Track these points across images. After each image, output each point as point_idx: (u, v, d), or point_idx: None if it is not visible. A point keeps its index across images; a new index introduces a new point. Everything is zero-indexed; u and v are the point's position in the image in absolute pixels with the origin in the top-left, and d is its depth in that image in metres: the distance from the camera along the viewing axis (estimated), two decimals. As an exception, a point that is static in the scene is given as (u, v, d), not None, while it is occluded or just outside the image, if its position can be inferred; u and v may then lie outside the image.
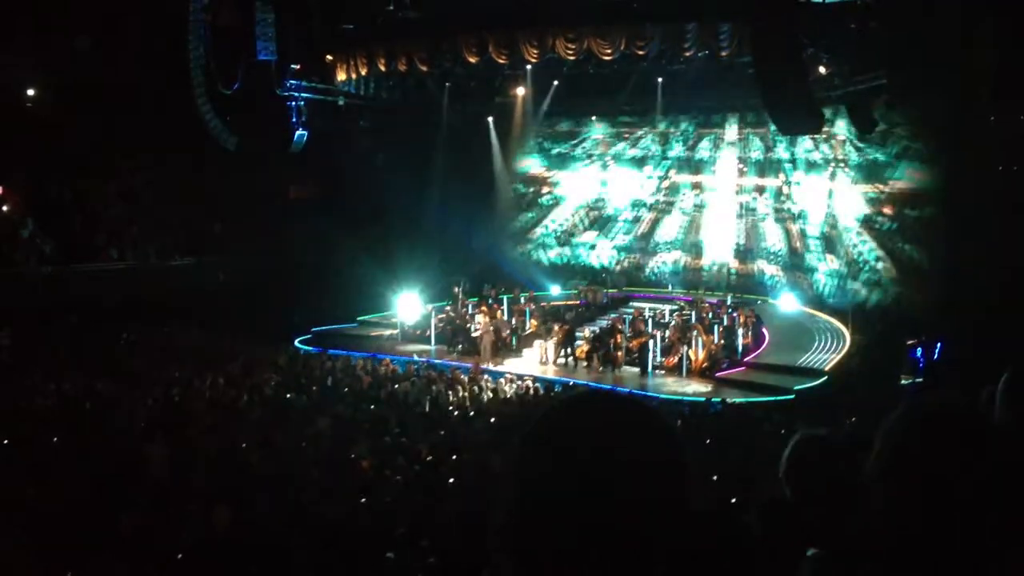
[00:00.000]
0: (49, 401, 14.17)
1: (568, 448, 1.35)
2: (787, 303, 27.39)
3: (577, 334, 23.14)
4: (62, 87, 25.32)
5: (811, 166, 28.77)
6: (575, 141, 33.21)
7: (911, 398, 1.75)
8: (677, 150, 31.77)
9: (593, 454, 1.33)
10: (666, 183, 31.97)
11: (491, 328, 22.79)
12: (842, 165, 27.60)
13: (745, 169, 30.51)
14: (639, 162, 32.33)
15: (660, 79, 27.29)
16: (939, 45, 20.61)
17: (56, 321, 20.71)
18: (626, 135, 32.34)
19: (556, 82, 28.09)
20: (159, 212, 27.46)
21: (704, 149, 31.25)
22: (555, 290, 28.99)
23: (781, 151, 29.61)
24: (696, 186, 31.50)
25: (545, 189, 33.82)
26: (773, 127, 27.62)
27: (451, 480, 9.58)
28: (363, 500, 8.50)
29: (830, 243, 28.19)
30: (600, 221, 33.12)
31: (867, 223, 26.73)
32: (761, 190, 30.31)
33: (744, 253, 30.38)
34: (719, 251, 30.75)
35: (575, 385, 19.32)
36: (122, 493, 8.33)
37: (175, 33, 24.43)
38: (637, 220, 32.45)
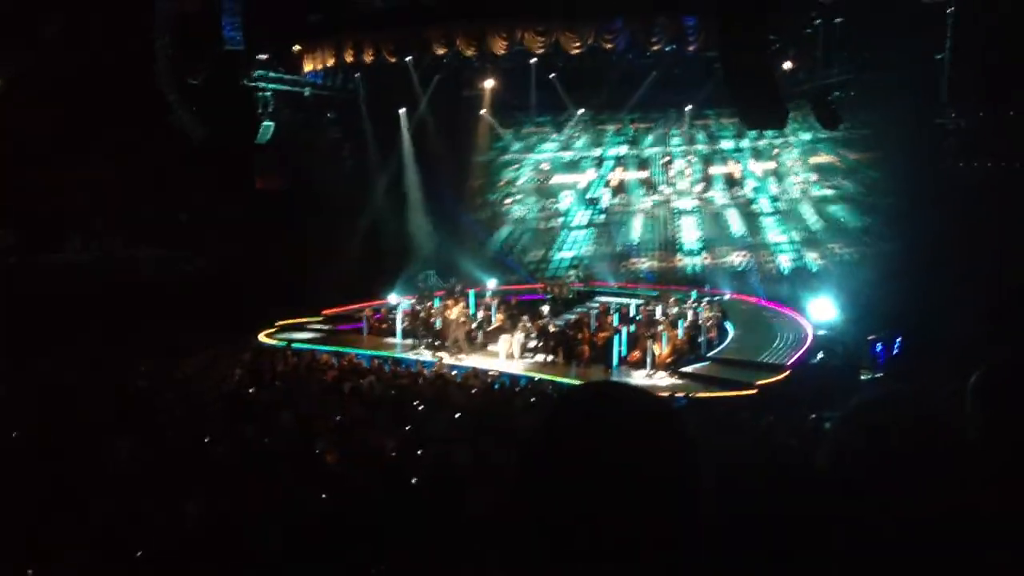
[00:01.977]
0: (12, 392, 14.04)
1: (585, 440, 1.38)
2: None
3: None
4: (25, 77, 24.98)
5: (758, 152, 29.81)
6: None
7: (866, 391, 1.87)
8: (618, 149, 31.91)
9: (610, 444, 1.37)
10: (614, 183, 32.06)
11: (460, 321, 22.81)
12: (787, 147, 28.72)
13: (693, 159, 31.07)
14: (574, 165, 32.28)
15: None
16: (900, 42, 20.95)
17: (19, 312, 20.48)
18: (551, 135, 32.16)
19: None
20: (125, 203, 27.19)
21: (647, 146, 31.49)
22: (491, 283, 28.14)
23: (725, 143, 30.56)
24: (647, 183, 31.73)
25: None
26: (713, 120, 28.71)
27: (416, 475, 9.60)
28: (325, 496, 8.51)
29: (785, 219, 29.86)
30: (552, 233, 32.90)
31: (813, 197, 28.12)
32: (709, 180, 31.03)
33: (712, 244, 30.87)
34: (689, 246, 31.13)
35: (541, 380, 19.41)
36: (88, 486, 8.30)
37: (140, 22, 24.21)
38: (593, 226, 32.42)
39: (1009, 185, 22.32)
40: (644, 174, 31.82)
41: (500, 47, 23.31)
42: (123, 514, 7.49)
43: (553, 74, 26.93)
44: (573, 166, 32.30)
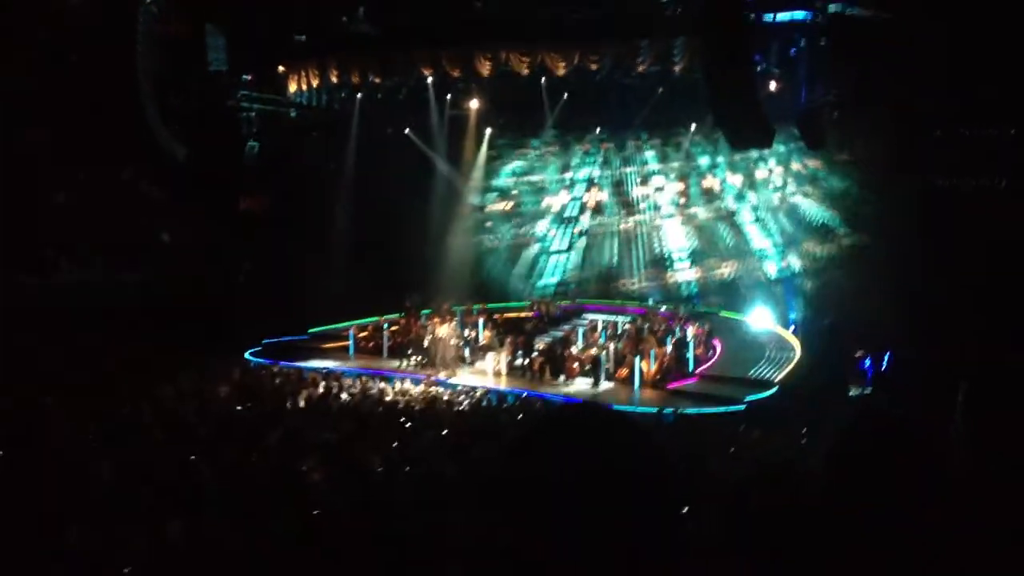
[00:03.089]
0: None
1: (560, 458, 1.40)
2: (759, 319, 26.87)
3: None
4: (10, 96, 24.88)
5: (733, 165, 30.13)
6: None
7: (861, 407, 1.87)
8: (590, 170, 31.87)
9: (583, 466, 1.36)
10: (591, 204, 31.98)
11: (447, 338, 22.78)
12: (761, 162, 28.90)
13: (671, 175, 31.13)
14: (548, 188, 32.21)
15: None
16: (886, 65, 21.12)
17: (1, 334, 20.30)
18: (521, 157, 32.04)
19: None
20: (108, 224, 27.04)
21: (619, 166, 31.46)
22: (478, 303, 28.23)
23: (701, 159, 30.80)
24: (624, 203, 31.66)
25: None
26: (684, 136, 29.55)
27: (404, 492, 9.54)
28: (315, 513, 8.43)
29: (766, 226, 29.76)
30: (532, 257, 32.65)
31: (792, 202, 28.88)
32: (688, 195, 31.03)
33: (700, 257, 30.71)
34: (679, 261, 30.97)
35: (528, 396, 19.35)
36: (69, 508, 8.19)
37: (125, 43, 24.18)
38: (574, 248, 32.27)
39: (995, 202, 22.44)
40: (620, 192, 31.72)
41: (486, 68, 23.34)
42: (104, 537, 7.39)
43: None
44: (547, 189, 32.25)
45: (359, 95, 26.65)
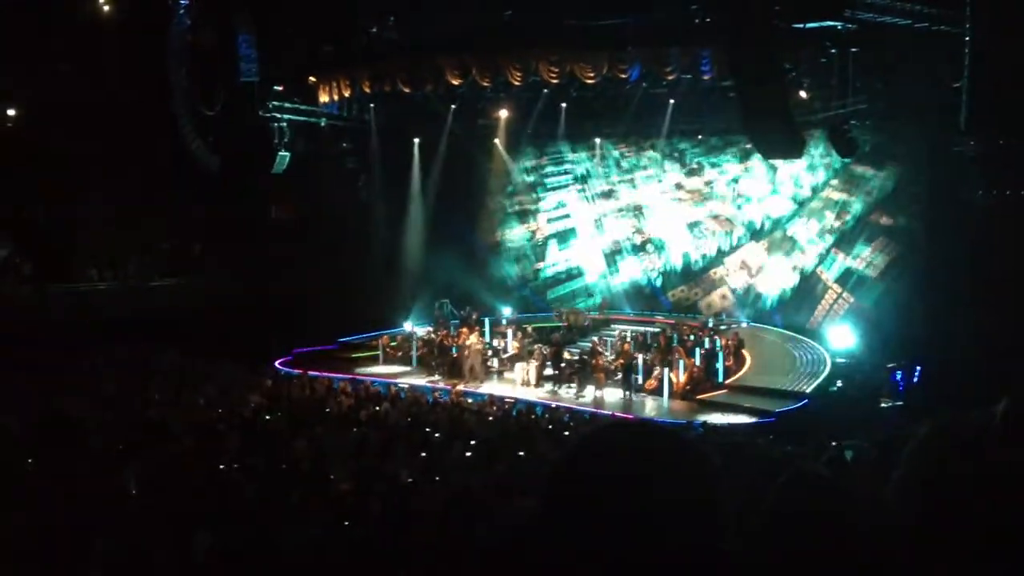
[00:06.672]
0: (24, 422, 13.97)
1: (602, 479, 1.36)
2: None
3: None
4: (44, 108, 25.21)
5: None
6: None
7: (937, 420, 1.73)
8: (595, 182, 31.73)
9: (627, 486, 1.33)
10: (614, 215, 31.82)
11: (476, 349, 22.76)
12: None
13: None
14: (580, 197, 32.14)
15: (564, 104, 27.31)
16: (916, 71, 20.93)
17: (32, 341, 20.49)
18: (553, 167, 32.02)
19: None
20: (140, 233, 27.32)
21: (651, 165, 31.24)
22: (506, 311, 28.55)
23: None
24: (636, 210, 31.39)
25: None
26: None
27: (431, 503, 9.49)
28: (345, 524, 8.41)
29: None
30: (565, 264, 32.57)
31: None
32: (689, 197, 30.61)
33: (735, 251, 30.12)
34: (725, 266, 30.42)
35: (558, 407, 19.28)
36: (97, 517, 8.20)
37: (157, 55, 24.44)
38: (613, 256, 32.12)
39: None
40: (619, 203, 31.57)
41: (515, 77, 23.32)
42: (131, 544, 7.39)
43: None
44: (578, 199, 32.23)
45: (388, 105, 26.73)
